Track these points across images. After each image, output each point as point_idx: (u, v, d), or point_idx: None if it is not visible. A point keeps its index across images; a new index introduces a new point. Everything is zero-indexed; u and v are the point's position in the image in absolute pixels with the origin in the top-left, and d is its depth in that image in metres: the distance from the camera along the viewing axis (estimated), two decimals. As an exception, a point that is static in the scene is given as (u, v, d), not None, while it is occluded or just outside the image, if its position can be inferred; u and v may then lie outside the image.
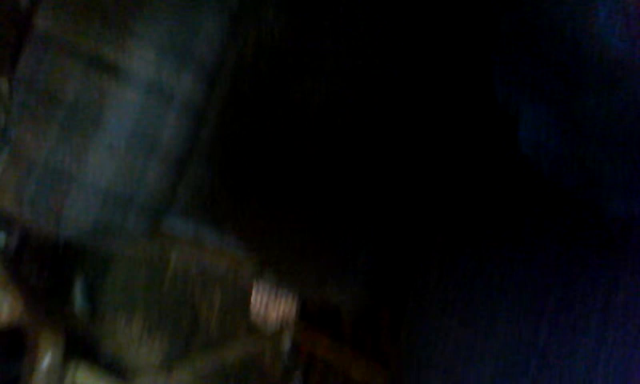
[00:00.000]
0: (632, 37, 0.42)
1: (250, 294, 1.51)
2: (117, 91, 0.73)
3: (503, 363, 0.50)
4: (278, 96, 0.81)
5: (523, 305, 0.51)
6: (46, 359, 0.73)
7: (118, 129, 0.73)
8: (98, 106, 0.73)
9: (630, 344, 0.47)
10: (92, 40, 0.72)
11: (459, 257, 0.56)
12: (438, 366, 0.55)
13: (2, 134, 0.77)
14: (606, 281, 0.48)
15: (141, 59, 0.72)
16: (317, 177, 0.76)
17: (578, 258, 0.50)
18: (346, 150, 0.75)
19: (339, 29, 0.76)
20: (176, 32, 0.73)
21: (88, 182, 0.74)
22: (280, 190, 0.78)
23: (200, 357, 1.17)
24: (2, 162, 0.76)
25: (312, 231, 0.75)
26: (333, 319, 1.22)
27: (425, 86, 0.70)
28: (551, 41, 0.46)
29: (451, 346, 0.54)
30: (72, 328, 1.06)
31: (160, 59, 0.73)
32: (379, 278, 0.74)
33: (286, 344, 1.39)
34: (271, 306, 1.46)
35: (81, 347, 0.97)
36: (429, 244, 0.61)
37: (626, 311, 0.47)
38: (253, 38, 0.79)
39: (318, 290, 0.78)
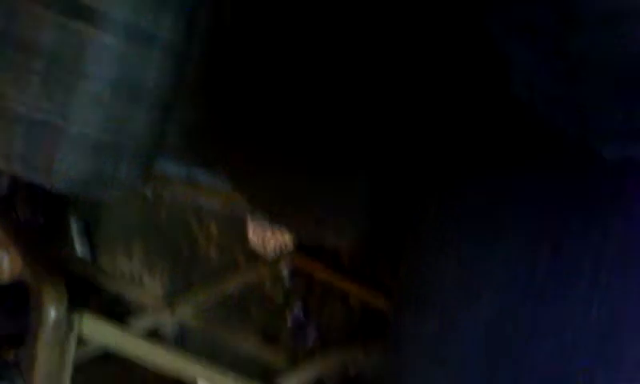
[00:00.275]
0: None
1: (247, 222, 1.52)
2: (95, 38, 0.71)
3: (499, 305, 0.51)
4: (261, 28, 0.79)
5: (519, 248, 0.51)
6: (51, 313, 0.74)
7: (101, 76, 0.71)
8: (78, 55, 0.71)
9: (622, 289, 0.47)
10: (64, -15, 0.69)
11: (456, 199, 0.56)
12: (435, 304, 0.56)
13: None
14: (600, 224, 0.48)
15: (117, 2, 0.70)
16: (307, 115, 0.75)
17: (573, 200, 0.50)
18: (339, 85, 0.74)
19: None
20: (152, -27, 0.70)
21: (76, 134, 0.73)
22: (268, 131, 0.77)
23: (201, 290, 1.19)
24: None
25: (305, 174, 0.75)
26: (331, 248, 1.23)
27: (420, 21, 0.67)
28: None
29: (448, 285, 0.55)
30: (73, 272, 1.07)
31: (137, 1, 0.71)
32: (377, 220, 0.74)
33: (285, 270, 1.41)
34: (269, 233, 1.48)
35: (83, 293, 0.98)
36: (426, 185, 0.61)
37: (618, 256, 0.48)
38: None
39: (314, 233, 0.78)
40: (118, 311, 1.24)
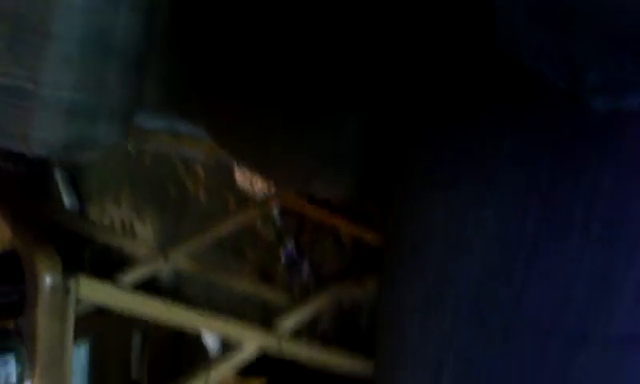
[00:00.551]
0: None
1: (234, 165, 1.51)
2: (59, -3, 0.68)
3: (490, 257, 0.51)
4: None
5: (509, 198, 0.51)
6: (47, 281, 0.74)
7: (69, 37, 0.69)
8: (43, 16, 0.68)
9: (613, 240, 0.47)
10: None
11: (445, 147, 0.56)
12: (426, 253, 0.56)
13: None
14: (590, 175, 0.48)
15: (80, -42, 0.67)
16: (287, 62, 0.73)
17: (563, 150, 0.49)
18: (322, 31, 0.71)
19: None
20: None
21: (49, 98, 0.71)
22: (243, 81, 0.75)
23: (193, 235, 1.20)
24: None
25: (287, 125, 0.73)
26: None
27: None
28: None
29: (437, 235, 0.55)
30: (61, 225, 1.07)
31: (100, -45, 0.68)
32: (366, 170, 0.72)
33: (275, 210, 1.42)
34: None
35: (76, 248, 0.98)
36: (415, 133, 0.60)
37: (609, 206, 0.47)
38: None
39: (301, 186, 0.77)
40: (109, 259, 1.25)
